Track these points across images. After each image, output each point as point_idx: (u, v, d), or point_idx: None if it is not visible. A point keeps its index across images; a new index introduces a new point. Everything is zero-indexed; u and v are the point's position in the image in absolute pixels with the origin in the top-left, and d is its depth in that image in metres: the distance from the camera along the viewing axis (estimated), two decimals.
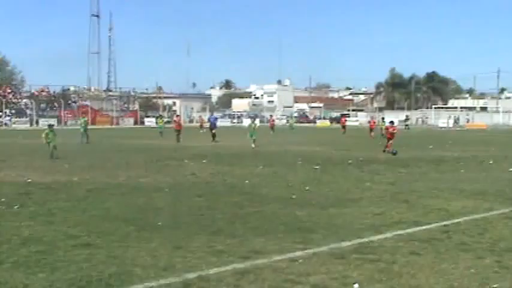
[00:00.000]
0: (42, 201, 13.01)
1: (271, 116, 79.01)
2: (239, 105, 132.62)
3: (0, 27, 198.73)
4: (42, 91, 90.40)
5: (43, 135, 25.26)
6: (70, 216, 11.10)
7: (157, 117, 58.02)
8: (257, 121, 39.91)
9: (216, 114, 58.02)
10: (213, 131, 39.86)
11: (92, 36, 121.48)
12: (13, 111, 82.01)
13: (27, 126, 73.35)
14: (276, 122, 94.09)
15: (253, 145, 32.81)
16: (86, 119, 42.17)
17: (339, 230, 10.03)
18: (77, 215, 11.33)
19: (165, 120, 58.87)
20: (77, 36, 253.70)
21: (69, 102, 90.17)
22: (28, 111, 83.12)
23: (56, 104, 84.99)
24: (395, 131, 29.80)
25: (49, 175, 18.18)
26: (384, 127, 38.84)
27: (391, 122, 31.92)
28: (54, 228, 10.02)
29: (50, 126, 26.33)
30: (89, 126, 41.25)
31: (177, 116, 52.57)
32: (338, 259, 8.08)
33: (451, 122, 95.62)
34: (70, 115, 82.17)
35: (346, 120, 64.52)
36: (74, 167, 20.65)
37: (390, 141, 28.89)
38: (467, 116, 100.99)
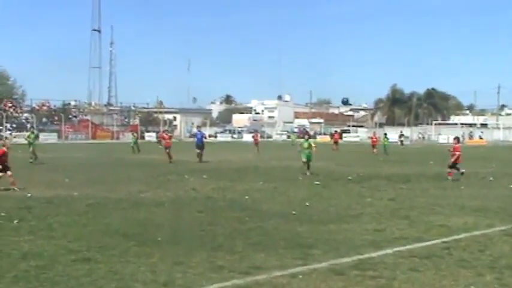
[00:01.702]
0: (43, 215, 13.00)
1: (255, 130, 70.47)
2: (239, 120, 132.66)
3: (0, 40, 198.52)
4: (43, 105, 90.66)
5: None
6: (70, 231, 11.09)
7: (132, 133, 54.34)
8: (311, 140, 29.47)
9: (203, 130, 42.51)
10: (198, 151, 33.09)
11: (93, 51, 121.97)
12: (14, 126, 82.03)
13: None
14: (276, 137, 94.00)
15: (307, 172, 24.89)
16: (33, 132, 34.69)
17: (339, 246, 10.01)
18: (77, 229, 11.32)
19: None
20: (78, 50, 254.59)
21: (70, 116, 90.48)
22: (29, 126, 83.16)
23: (56, 118, 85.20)
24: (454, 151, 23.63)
25: (49, 189, 18.17)
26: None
27: (457, 139, 25.22)
28: (54, 242, 10.01)
29: None
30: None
31: (165, 130, 50.18)
32: (338, 275, 8.06)
33: (466, 137, 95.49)
34: (71, 130, 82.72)
35: (339, 137, 61.06)
36: (74, 182, 20.63)
37: (457, 163, 23.47)
38: (481, 133, 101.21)
